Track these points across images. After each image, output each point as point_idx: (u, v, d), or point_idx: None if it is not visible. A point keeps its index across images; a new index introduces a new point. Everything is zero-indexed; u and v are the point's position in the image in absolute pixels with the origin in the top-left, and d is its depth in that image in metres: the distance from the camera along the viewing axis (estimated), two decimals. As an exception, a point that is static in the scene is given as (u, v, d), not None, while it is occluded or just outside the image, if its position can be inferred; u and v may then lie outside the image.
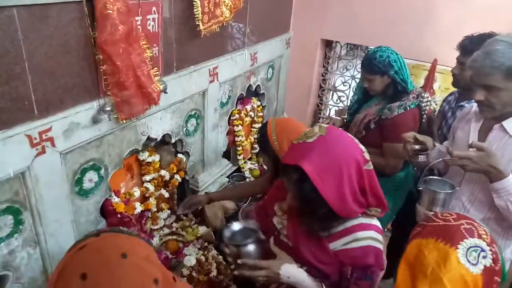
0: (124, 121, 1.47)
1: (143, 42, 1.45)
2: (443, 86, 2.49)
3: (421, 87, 2.51)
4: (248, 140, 2.69)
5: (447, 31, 2.40)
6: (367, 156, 1.12)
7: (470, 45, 1.79)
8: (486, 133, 1.51)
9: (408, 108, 1.99)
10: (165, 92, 1.59)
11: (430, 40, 2.47)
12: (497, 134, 1.47)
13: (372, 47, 2.51)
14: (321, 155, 1.07)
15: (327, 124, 2.18)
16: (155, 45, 1.60)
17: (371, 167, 1.12)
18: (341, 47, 3.00)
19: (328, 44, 3.00)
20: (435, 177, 1.56)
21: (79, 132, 1.35)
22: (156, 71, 1.53)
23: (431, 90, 2.47)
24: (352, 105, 2.37)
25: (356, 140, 1.15)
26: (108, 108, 1.40)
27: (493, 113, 1.45)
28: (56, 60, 1.21)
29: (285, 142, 1.58)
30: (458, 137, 1.67)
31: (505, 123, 1.44)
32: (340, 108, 3.05)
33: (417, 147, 1.64)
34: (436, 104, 2.41)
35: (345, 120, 2.40)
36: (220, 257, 2.00)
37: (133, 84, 1.42)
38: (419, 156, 1.64)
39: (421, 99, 2.17)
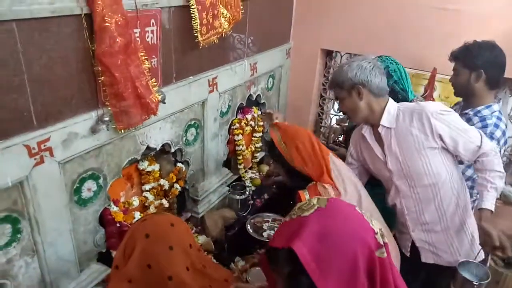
0: (123, 131, 1.49)
1: (142, 54, 1.47)
2: (443, 95, 2.49)
3: (422, 96, 2.51)
4: (249, 149, 2.70)
5: (445, 40, 2.40)
6: (380, 239, 0.84)
7: (457, 53, 1.88)
8: (380, 138, 1.72)
9: None
10: (164, 103, 1.61)
11: (429, 49, 2.48)
12: (385, 133, 1.69)
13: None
14: (320, 236, 0.81)
15: (328, 132, 2.20)
16: (154, 56, 1.62)
17: (385, 254, 0.84)
18: (341, 56, 3.01)
19: (328, 54, 3.01)
20: (470, 260, 1.61)
21: (77, 142, 1.37)
22: (155, 82, 1.56)
23: (431, 99, 2.47)
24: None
25: (367, 215, 0.89)
26: (107, 119, 1.42)
27: (353, 119, 1.80)
28: (55, 72, 1.24)
29: (293, 147, 1.61)
30: (365, 154, 1.82)
31: (382, 121, 1.68)
32: (341, 117, 3.05)
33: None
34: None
35: (344, 128, 2.40)
36: (220, 266, 2.00)
37: (131, 95, 1.44)
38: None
39: None
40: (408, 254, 1.82)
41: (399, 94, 2.03)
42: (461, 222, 1.70)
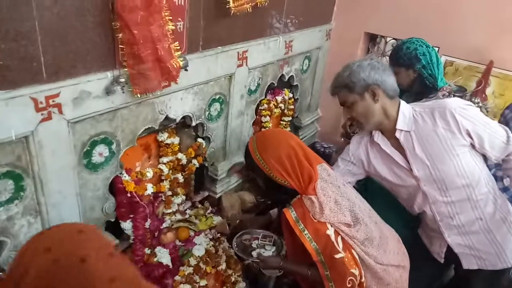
0: (139, 96, 1.39)
1: (166, 14, 1.36)
2: (497, 92, 2.22)
3: (472, 91, 2.26)
4: (276, 133, 2.57)
5: (504, 30, 2.13)
6: None
7: None
8: (398, 144, 1.57)
9: None
10: (186, 70, 1.50)
11: (487, 39, 2.21)
12: (404, 138, 1.55)
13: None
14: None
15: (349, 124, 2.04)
16: (179, 19, 1.51)
17: None
18: (386, 42, 2.78)
19: (372, 39, 2.79)
20: None
21: (90, 102, 1.29)
22: (178, 46, 1.44)
23: (483, 95, 2.22)
24: None
25: None
26: (123, 80, 1.33)
27: (364, 126, 1.61)
28: (68, 23, 1.15)
29: (270, 157, 1.44)
30: (377, 164, 1.66)
31: (398, 125, 1.54)
32: None
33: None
34: (487, 111, 2.16)
35: None
36: (232, 250, 1.90)
37: (150, 57, 1.34)
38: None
39: (469, 100, 1.95)
40: (442, 261, 1.68)
41: (426, 80, 1.84)
42: (502, 219, 1.55)
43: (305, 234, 1.39)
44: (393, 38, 2.71)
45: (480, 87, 2.21)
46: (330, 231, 1.38)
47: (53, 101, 1.18)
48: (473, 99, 2.19)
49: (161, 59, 1.38)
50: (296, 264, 1.56)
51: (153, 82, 1.40)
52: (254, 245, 1.73)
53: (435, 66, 1.83)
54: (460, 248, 1.59)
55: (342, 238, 1.39)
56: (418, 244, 1.76)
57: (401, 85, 1.90)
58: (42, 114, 1.17)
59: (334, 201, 1.42)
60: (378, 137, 1.63)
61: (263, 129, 2.42)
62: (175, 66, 1.43)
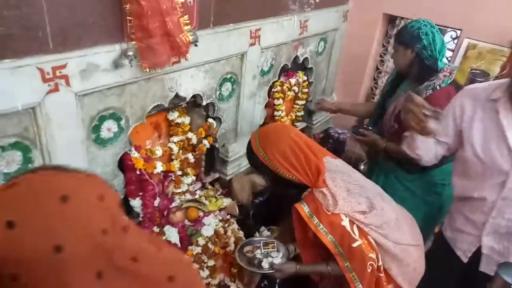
0: (148, 70, 1.37)
1: (175, -14, 1.33)
2: (523, 75, 2.12)
3: (496, 76, 2.16)
4: (289, 117, 2.52)
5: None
6: None
7: None
8: None
9: (438, 87, 1.71)
10: (195, 45, 1.46)
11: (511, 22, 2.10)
12: None
13: (442, 26, 2.21)
14: None
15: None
16: (190, -8, 1.47)
17: None
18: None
19: (391, 21, 2.69)
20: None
21: (98, 75, 1.27)
22: (187, 21, 1.41)
23: (508, 79, 2.11)
24: (385, 85, 2.11)
25: None
26: (131, 53, 1.31)
27: None
28: (75, -9, 1.13)
29: (275, 153, 1.39)
30: (476, 128, 1.38)
31: None
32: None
33: (428, 112, 1.36)
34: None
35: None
36: (241, 232, 1.89)
37: (159, 30, 1.31)
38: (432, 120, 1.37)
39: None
40: (465, 260, 1.54)
41: (426, 61, 1.74)
42: None
43: (321, 229, 1.35)
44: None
45: (505, 72, 2.10)
46: (345, 222, 1.34)
47: (60, 72, 1.17)
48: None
49: (170, 33, 1.35)
50: (313, 264, 1.52)
51: (162, 56, 1.37)
52: (258, 255, 1.63)
53: (437, 47, 1.74)
54: (490, 251, 1.46)
55: (358, 226, 1.36)
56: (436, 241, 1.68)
57: (398, 65, 1.87)
58: (49, 85, 1.16)
59: (346, 190, 1.38)
60: (502, 102, 1.32)
61: (275, 112, 2.37)
62: (185, 41, 1.40)
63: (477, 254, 1.50)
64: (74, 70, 1.20)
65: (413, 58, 1.78)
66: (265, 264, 1.59)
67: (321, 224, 1.35)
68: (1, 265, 0.50)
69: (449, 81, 1.72)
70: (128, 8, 1.24)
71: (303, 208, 1.38)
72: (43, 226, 0.51)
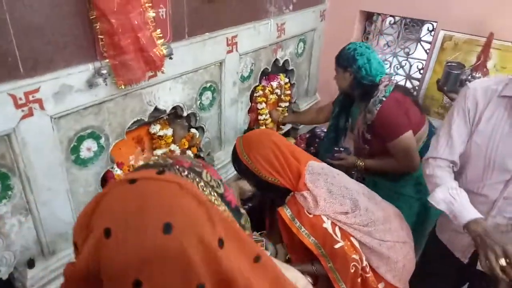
0: (123, 87, 1.36)
1: (145, 1, 1.32)
2: (499, 65, 2.14)
3: (471, 66, 2.19)
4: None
5: (507, 0, 2.05)
6: None
7: None
8: None
9: (383, 98, 1.75)
10: (170, 58, 1.46)
11: (486, 11, 2.12)
12: None
13: (417, 19, 2.24)
14: None
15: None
16: (161, 5, 1.46)
17: None
18: (383, 21, 2.70)
19: (368, 17, 2.71)
20: None
21: (72, 96, 1.26)
22: (160, 34, 1.40)
23: (484, 69, 2.14)
24: (334, 108, 2.18)
25: None
26: (105, 71, 1.29)
27: None
28: (43, 15, 1.12)
29: (258, 157, 1.40)
30: (487, 127, 1.33)
31: None
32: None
33: None
34: (489, 85, 2.08)
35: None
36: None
37: (131, 46, 1.30)
38: None
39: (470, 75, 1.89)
40: (466, 261, 1.52)
41: (364, 80, 1.81)
42: None
43: (303, 231, 1.37)
44: (391, 15, 2.62)
45: (480, 61, 2.13)
46: (327, 224, 1.36)
47: (33, 96, 1.15)
48: (473, 74, 2.12)
49: (143, 48, 1.34)
50: (299, 264, 1.52)
51: (137, 72, 1.36)
52: None
53: (372, 66, 1.80)
54: None
55: (340, 228, 1.37)
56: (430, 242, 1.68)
57: (340, 86, 1.97)
58: (22, 111, 1.14)
59: (328, 191, 1.39)
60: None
61: (259, 117, 2.37)
62: (159, 55, 1.39)
63: (476, 253, 1.42)
64: (48, 93, 1.19)
65: (352, 79, 1.84)
66: None
67: (303, 227, 1.36)
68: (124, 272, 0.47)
69: (391, 88, 1.78)
70: (98, 26, 1.23)
71: (286, 212, 1.40)
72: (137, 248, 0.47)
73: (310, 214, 1.36)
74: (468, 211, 1.30)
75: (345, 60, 1.85)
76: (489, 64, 2.17)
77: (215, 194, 0.56)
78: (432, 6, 2.29)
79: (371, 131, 1.83)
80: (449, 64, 2.16)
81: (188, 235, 0.48)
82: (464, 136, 1.39)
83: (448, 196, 1.35)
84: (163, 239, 0.47)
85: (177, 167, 0.55)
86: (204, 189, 0.55)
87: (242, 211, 0.59)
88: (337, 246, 1.34)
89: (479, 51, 2.15)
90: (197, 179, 0.55)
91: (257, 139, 1.46)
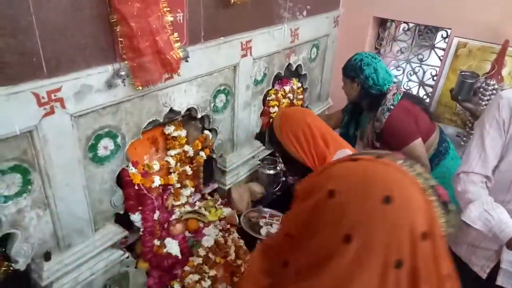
0: (141, 88, 1.40)
1: (164, 5, 1.36)
2: (514, 72, 2.14)
3: (486, 73, 2.18)
4: (286, 124, 2.55)
5: (524, 8, 2.04)
6: None
7: None
8: None
9: (391, 107, 1.78)
10: (186, 61, 1.50)
11: (501, 18, 2.12)
12: None
13: (431, 26, 2.24)
14: None
15: None
16: (179, 10, 1.51)
17: None
18: (396, 27, 2.71)
19: (381, 24, 2.72)
20: None
21: (92, 96, 1.31)
22: (177, 37, 1.44)
23: (499, 77, 2.13)
24: (344, 116, 2.23)
25: None
26: (123, 73, 1.34)
27: None
28: (66, 17, 1.17)
29: (289, 133, 1.48)
30: None
31: None
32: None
33: None
34: (503, 93, 2.07)
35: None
36: (242, 241, 1.91)
37: (150, 49, 1.35)
38: None
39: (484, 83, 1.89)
40: (484, 276, 1.47)
41: (372, 89, 1.85)
42: None
43: None
44: (404, 22, 2.63)
45: (495, 69, 2.12)
46: None
47: (55, 95, 1.20)
48: (488, 82, 2.11)
49: (161, 51, 1.38)
50: None
51: (154, 74, 1.40)
52: (261, 223, 1.81)
53: (379, 76, 1.82)
54: (510, 265, 1.40)
55: None
56: None
57: (349, 96, 2.00)
58: (44, 109, 1.19)
59: None
60: None
61: (271, 120, 2.40)
62: (176, 58, 1.43)
63: (496, 267, 1.43)
64: (69, 92, 1.24)
65: (360, 89, 1.87)
66: (263, 231, 1.75)
67: None
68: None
69: (399, 97, 1.80)
70: (118, 29, 1.27)
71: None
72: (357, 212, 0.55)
73: None
74: (510, 227, 1.21)
75: (352, 70, 1.88)
76: (504, 72, 2.15)
77: (427, 185, 0.61)
78: (446, 13, 2.29)
79: (380, 139, 1.85)
80: (463, 73, 2.16)
81: (403, 212, 0.55)
82: (498, 148, 1.32)
83: (483, 212, 1.27)
84: (381, 209, 0.55)
85: (393, 156, 0.64)
86: (418, 178, 0.60)
87: (451, 207, 0.62)
88: None
89: (494, 58, 2.14)
90: (411, 168, 0.62)
91: (293, 117, 1.55)
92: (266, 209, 1.94)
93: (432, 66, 2.64)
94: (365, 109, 1.98)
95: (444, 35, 2.49)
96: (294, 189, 1.43)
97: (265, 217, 1.85)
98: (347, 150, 1.51)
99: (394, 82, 1.88)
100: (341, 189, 0.57)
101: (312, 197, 0.60)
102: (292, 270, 0.63)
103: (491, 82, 2.11)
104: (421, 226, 0.55)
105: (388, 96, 1.80)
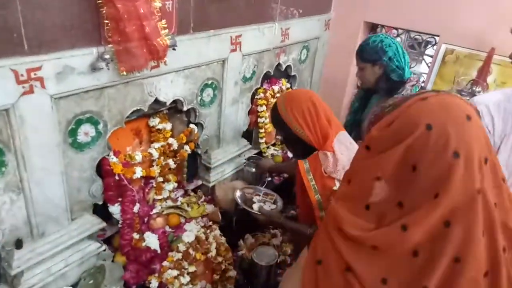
0: (125, 73, 1.37)
1: (152, -10, 1.35)
2: (499, 80, 2.16)
3: (472, 80, 2.21)
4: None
5: (506, 15, 2.08)
6: None
7: None
8: None
9: None
10: (173, 49, 1.47)
11: (488, 26, 2.16)
12: None
13: (420, 32, 2.26)
14: None
15: None
16: (168, -2, 1.49)
17: None
18: (387, 33, 2.73)
19: (372, 29, 2.75)
20: None
21: (74, 78, 1.27)
22: (165, 24, 1.42)
23: (485, 84, 2.16)
24: (354, 103, 2.17)
25: None
26: (107, 56, 1.31)
27: None
28: (50, -6, 1.14)
29: (294, 110, 1.52)
30: (507, 148, 1.29)
31: None
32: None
33: None
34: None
35: None
36: (223, 238, 1.87)
37: (136, 34, 1.32)
38: None
39: (470, 89, 1.90)
40: None
41: (393, 74, 1.80)
42: None
43: (312, 185, 1.45)
44: (394, 28, 2.66)
45: (481, 76, 2.15)
46: (336, 188, 1.43)
47: (34, 74, 1.16)
48: (474, 88, 2.14)
49: (147, 37, 1.36)
50: (297, 223, 1.62)
51: (140, 59, 1.38)
52: (254, 200, 1.84)
53: (401, 57, 1.78)
54: None
55: None
56: None
57: (367, 82, 1.90)
58: (23, 87, 1.15)
59: (348, 159, 1.45)
60: None
61: (259, 119, 2.38)
62: (162, 45, 1.41)
63: None
64: (50, 72, 1.20)
65: (382, 72, 1.82)
66: (255, 206, 1.77)
67: (314, 182, 1.44)
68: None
69: (417, 90, 1.77)
70: (104, 11, 1.25)
71: (304, 164, 1.48)
72: (456, 131, 0.68)
73: (325, 173, 1.43)
74: None
75: (374, 53, 1.80)
76: (489, 79, 2.19)
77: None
78: (435, 20, 2.32)
79: None
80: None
81: (478, 126, 0.71)
82: None
83: None
84: (468, 125, 0.70)
85: (444, 91, 0.78)
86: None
87: None
88: None
89: (480, 65, 2.18)
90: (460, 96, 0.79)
91: (298, 96, 1.59)
92: (261, 188, 2.00)
93: (420, 73, 2.67)
94: (382, 92, 1.88)
95: (432, 42, 2.52)
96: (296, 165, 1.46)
97: (259, 195, 1.91)
98: (346, 134, 1.58)
99: (414, 74, 1.84)
100: (434, 120, 0.69)
101: (404, 139, 0.71)
102: (391, 207, 0.73)
103: (477, 89, 2.14)
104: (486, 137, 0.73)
105: (407, 86, 1.77)
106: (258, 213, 1.72)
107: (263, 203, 1.83)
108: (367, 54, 1.83)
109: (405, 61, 1.80)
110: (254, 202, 1.82)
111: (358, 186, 0.81)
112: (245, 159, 2.30)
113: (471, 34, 2.21)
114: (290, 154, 2.65)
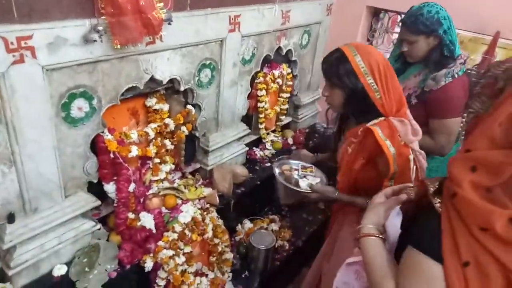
0: (119, 47, 1.35)
1: (147, -38, 1.32)
2: (504, 64, 2.12)
3: (476, 65, 2.16)
4: (274, 110, 2.50)
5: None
6: None
7: None
8: None
9: (456, 75, 1.67)
10: (169, 23, 1.45)
11: (492, 10, 2.11)
12: None
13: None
14: None
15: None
16: (164, -28, 1.46)
17: None
18: (390, 18, 2.69)
19: (375, 14, 2.70)
20: None
21: (66, 49, 1.25)
22: (161, 3, 1.39)
23: (489, 68, 2.11)
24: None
25: None
26: (101, 28, 1.29)
27: None
28: (41, -40, 1.11)
29: (371, 61, 1.34)
30: None
31: None
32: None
33: None
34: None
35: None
36: (220, 220, 1.86)
37: (130, 5, 1.30)
38: None
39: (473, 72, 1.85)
40: None
41: (446, 48, 1.71)
42: None
43: (393, 154, 1.33)
44: (397, 13, 2.61)
45: (486, 60, 2.10)
46: (411, 157, 1.36)
47: (25, 43, 1.14)
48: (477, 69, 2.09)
49: (142, 10, 1.33)
50: (352, 196, 1.51)
51: (134, 32, 1.35)
52: (295, 176, 1.68)
53: (453, 32, 1.70)
54: None
55: (416, 168, 1.37)
56: None
57: (416, 56, 1.77)
58: (13, 56, 1.13)
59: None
60: None
61: (259, 104, 2.35)
62: (157, 18, 1.38)
63: None
64: (41, 42, 1.18)
65: (437, 44, 1.71)
66: (302, 184, 1.59)
67: (392, 148, 1.33)
68: None
69: (464, 70, 1.70)
70: (97, -19, 1.22)
71: (378, 131, 1.33)
72: None
73: (401, 141, 1.34)
74: None
75: (431, 24, 1.67)
76: (494, 63, 2.14)
77: None
78: (439, 2, 2.27)
79: (421, 97, 1.74)
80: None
81: None
82: None
83: None
84: None
85: None
86: None
87: None
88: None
89: (485, 49, 2.13)
90: None
91: (371, 49, 1.42)
92: (295, 161, 1.82)
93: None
94: (432, 65, 1.75)
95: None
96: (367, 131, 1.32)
97: (298, 170, 1.71)
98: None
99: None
100: None
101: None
102: None
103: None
104: None
105: (457, 62, 1.69)
106: (309, 191, 1.58)
107: (304, 177, 1.67)
108: (422, 25, 1.68)
109: (455, 37, 1.71)
110: (296, 179, 1.65)
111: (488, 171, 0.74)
112: (244, 144, 2.27)
113: (476, 18, 2.16)
114: (290, 141, 2.63)
